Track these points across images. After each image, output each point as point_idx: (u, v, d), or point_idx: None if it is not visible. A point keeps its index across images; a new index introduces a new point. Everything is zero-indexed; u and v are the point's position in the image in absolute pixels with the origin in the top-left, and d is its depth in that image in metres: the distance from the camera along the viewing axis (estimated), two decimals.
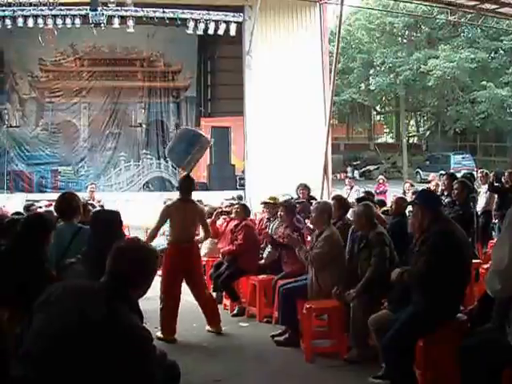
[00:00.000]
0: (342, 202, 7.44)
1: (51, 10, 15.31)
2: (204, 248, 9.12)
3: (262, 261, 8.04)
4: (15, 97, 20.73)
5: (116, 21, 15.68)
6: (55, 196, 6.45)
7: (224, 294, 8.30)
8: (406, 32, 37.34)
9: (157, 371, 2.83)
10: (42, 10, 15.25)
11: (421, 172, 33.29)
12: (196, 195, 7.45)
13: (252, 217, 10.07)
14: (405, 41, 37.76)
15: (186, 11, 16.31)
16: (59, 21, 15.45)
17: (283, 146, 17.18)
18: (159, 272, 6.11)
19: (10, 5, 15.19)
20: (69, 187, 18.87)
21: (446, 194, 9.63)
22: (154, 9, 16.14)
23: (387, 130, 51.22)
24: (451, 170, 21.24)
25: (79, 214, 5.54)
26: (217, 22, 16.41)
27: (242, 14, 16.98)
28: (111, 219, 5.26)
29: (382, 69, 35.45)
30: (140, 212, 13.79)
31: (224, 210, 9.60)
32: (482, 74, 33.00)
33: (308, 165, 17.14)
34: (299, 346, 6.23)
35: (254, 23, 17.28)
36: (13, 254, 4.39)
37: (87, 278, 3.98)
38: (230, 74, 19.91)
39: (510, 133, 36.58)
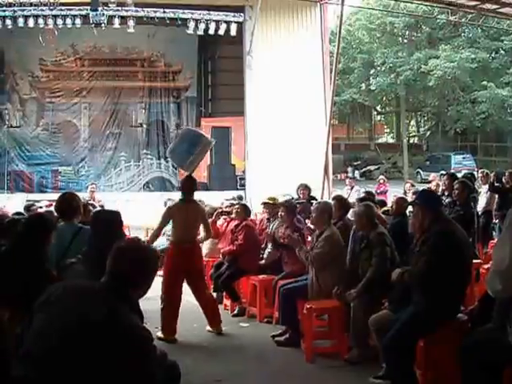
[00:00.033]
0: (342, 203, 7.44)
1: (52, 10, 15.30)
2: (204, 248, 9.10)
3: (263, 261, 8.04)
4: (16, 97, 20.73)
5: (116, 21, 15.68)
6: (56, 196, 6.45)
7: (224, 294, 8.29)
8: (407, 32, 37.32)
9: (157, 371, 2.83)
10: (42, 10, 15.24)
11: (421, 172, 33.26)
12: (196, 195, 7.45)
13: (252, 217, 10.06)
14: (405, 41, 37.76)
15: (186, 11, 16.30)
16: (60, 21, 15.44)
17: (284, 146, 17.19)
18: (160, 272, 6.11)
19: (10, 5, 15.18)
20: (69, 187, 18.87)
21: (446, 194, 9.63)
22: (155, 9, 16.14)
23: (388, 130, 51.22)
24: (452, 170, 21.24)
25: (79, 214, 5.54)
26: (217, 22, 16.39)
27: (242, 14, 16.97)
28: (111, 219, 5.26)
29: (383, 69, 35.44)
30: (140, 212, 13.80)
31: (224, 210, 9.60)
32: (483, 74, 32.99)
33: (308, 165, 17.14)
34: (300, 346, 6.23)
35: (255, 23, 17.29)
36: (13, 254, 4.39)
37: (87, 278, 3.98)
38: (231, 74, 19.91)
39: (510, 133, 36.58)
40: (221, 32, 16.57)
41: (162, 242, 9.02)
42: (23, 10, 15.18)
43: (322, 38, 18.44)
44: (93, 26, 15.43)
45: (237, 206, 8.69)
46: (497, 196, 10.79)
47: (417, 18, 31.64)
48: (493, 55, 34.94)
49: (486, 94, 31.79)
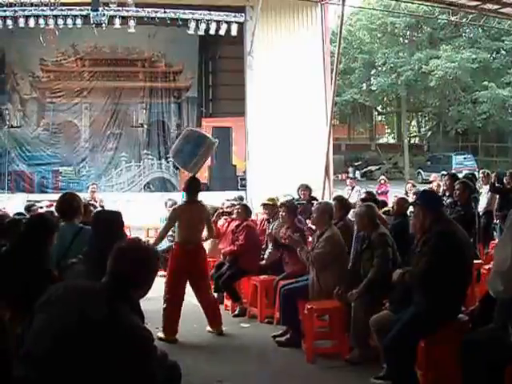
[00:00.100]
0: (343, 203, 7.45)
1: (52, 10, 15.31)
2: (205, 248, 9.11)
3: (263, 261, 8.04)
4: (16, 97, 20.76)
5: (117, 21, 15.69)
6: (56, 196, 6.45)
7: (225, 294, 8.29)
8: (408, 32, 37.34)
9: (158, 372, 2.83)
10: (43, 11, 15.25)
11: (422, 172, 33.25)
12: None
13: (253, 217, 10.06)
14: (406, 41, 37.78)
15: (187, 11, 16.31)
16: (60, 21, 15.44)
17: (284, 146, 17.19)
18: (160, 273, 6.10)
19: (11, 5, 15.19)
20: (70, 187, 18.89)
21: (447, 194, 9.63)
22: (156, 9, 16.14)
23: (388, 131, 51.22)
24: (453, 171, 21.32)
25: (80, 215, 5.54)
26: (218, 22, 16.40)
27: (243, 15, 16.97)
28: (112, 220, 5.25)
29: (384, 69, 35.46)
30: (141, 212, 13.82)
31: (225, 210, 9.59)
32: (484, 75, 33.01)
33: (309, 165, 17.15)
34: (300, 346, 6.23)
35: (256, 23, 17.29)
36: (15, 254, 4.39)
37: (88, 279, 3.98)
38: (232, 75, 19.93)
39: (511, 133, 36.57)
40: (221, 32, 16.57)
41: (162, 243, 9.00)
42: (24, 10, 15.19)
43: (323, 39, 18.44)
44: (93, 26, 15.42)
45: (238, 207, 8.69)
46: (498, 196, 10.78)
47: (418, 18, 31.64)
48: (494, 55, 34.97)
49: (486, 95, 31.81)
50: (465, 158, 32.62)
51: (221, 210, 9.51)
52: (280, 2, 17.97)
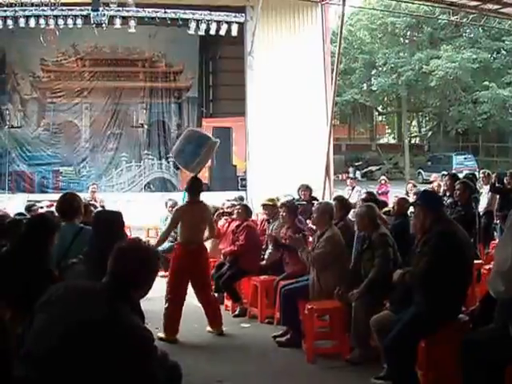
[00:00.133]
0: (343, 203, 7.45)
1: (53, 10, 15.31)
2: None
3: (264, 261, 8.04)
4: (17, 97, 20.75)
5: (117, 21, 15.69)
6: (57, 196, 6.45)
7: (225, 294, 8.28)
8: (408, 32, 37.35)
9: (158, 372, 2.83)
10: (43, 11, 15.24)
11: (423, 172, 33.26)
12: None
13: (254, 217, 10.06)
14: (407, 41, 37.78)
15: (187, 11, 16.31)
16: (61, 21, 15.44)
17: (285, 146, 17.19)
18: (160, 273, 6.09)
19: (11, 5, 15.20)
20: (70, 188, 18.89)
21: (448, 194, 9.64)
22: (156, 9, 16.14)
23: (389, 131, 51.23)
24: (453, 171, 21.29)
25: (80, 215, 5.53)
26: (218, 22, 16.39)
27: (243, 15, 16.97)
28: (113, 220, 5.25)
29: (384, 69, 35.46)
30: (141, 212, 13.82)
31: (226, 210, 9.59)
32: (484, 75, 33.00)
33: (310, 165, 17.15)
34: (301, 346, 6.22)
35: (256, 24, 17.29)
36: (16, 254, 4.39)
37: (89, 279, 3.98)
38: (232, 75, 19.91)
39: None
40: (222, 32, 16.56)
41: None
42: (24, 10, 15.19)
43: (324, 39, 18.44)
44: (94, 26, 15.42)
45: (238, 207, 8.69)
46: (498, 196, 10.78)
47: (418, 18, 31.65)
48: (494, 55, 34.96)
49: (487, 95, 31.81)
50: (465, 158, 32.63)
51: (221, 211, 9.51)
52: (280, 2, 17.97)
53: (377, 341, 5.16)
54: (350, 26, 35.47)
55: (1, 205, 13.35)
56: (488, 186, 11.23)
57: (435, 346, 4.68)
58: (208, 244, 8.85)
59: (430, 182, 16.69)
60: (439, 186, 12.70)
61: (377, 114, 46.81)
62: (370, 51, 35.93)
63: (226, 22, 16.44)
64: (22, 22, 15.30)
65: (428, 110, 40.31)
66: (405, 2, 23.11)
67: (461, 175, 11.67)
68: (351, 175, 29.34)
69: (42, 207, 10.00)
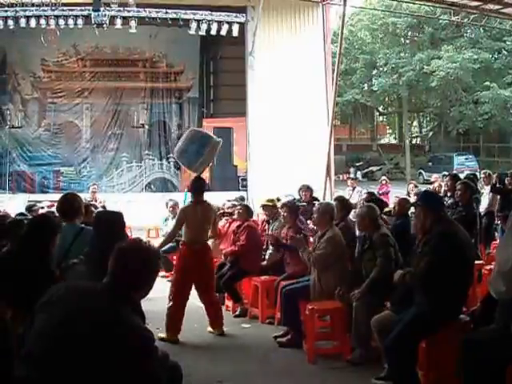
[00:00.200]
0: (344, 203, 7.44)
1: (53, 10, 15.33)
2: None
3: (265, 262, 8.04)
4: (17, 97, 20.75)
5: (118, 21, 15.70)
6: (57, 197, 6.45)
7: (226, 295, 8.28)
8: (409, 32, 37.33)
9: (159, 372, 2.83)
10: (44, 11, 15.26)
11: (423, 173, 33.26)
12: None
13: (254, 218, 10.06)
14: (408, 41, 37.75)
15: (188, 12, 16.32)
16: (61, 21, 15.47)
17: (286, 146, 17.18)
18: (161, 273, 6.10)
19: (12, 5, 15.21)
20: (71, 188, 18.92)
21: (449, 194, 9.64)
22: (157, 9, 16.15)
23: (390, 131, 51.22)
24: (454, 171, 21.29)
25: (81, 215, 5.53)
26: (219, 22, 16.39)
27: (244, 15, 16.98)
28: (114, 220, 5.25)
29: (385, 69, 35.43)
30: (142, 213, 13.82)
31: (226, 211, 9.59)
32: (485, 75, 32.96)
33: (310, 166, 17.13)
34: (302, 347, 6.22)
35: (257, 24, 17.29)
36: (18, 254, 4.39)
37: (89, 279, 3.98)
38: (233, 75, 19.90)
39: None
40: (223, 32, 16.56)
41: None
42: (25, 11, 15.20)
43: (324, 39, 18.44)
44: (95, 26, 15.43)
45: (239, 207, 8.68)
46: (499, 197, 10.78)
47: (419, 18, 31.64)
48: (495, 56, 34.94)
49: (488, 95, 31.78)
50: (466, 159, 32.61)
51: (222, 211, 9.50)
52: (281, 3, 17.96)
53: (377, 341, 5.16)
54: (351, 26, 35.46)
55: (1, 205, 13.36)
56: (489, 187, 11.24)
57: (436, 346, 4.68)
58: (209, 244, 8.87)
59: (431, 183, 16.70)
60: (440, 186, 12.70)
61: (378, 114, 46.79)
62: (371, 51, 35.90)
63: (227, 22, 16.45)
64: (22, 22, 15.31)
65: (429, 110, 40.29)
66: (406, 2, 23.14)
67: (462, 176, 11.67)
68: (352, 175, 29.33)
69: (42, 207, 10.00)
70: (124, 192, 20.39)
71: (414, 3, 23.63)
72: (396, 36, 37.12)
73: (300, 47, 18.03)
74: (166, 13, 16.17)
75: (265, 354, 6.26)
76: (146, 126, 21.79)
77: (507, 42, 32.72)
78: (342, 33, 18.05)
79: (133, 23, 15.93)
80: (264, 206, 8.83)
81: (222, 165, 18.09)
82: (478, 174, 15.75)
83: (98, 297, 2.79)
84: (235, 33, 16.64)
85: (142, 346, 2.69)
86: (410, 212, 7.72)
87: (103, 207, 10.88)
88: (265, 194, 11.38)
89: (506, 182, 11.01)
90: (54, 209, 6.63)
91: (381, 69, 36.50)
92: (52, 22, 15.43)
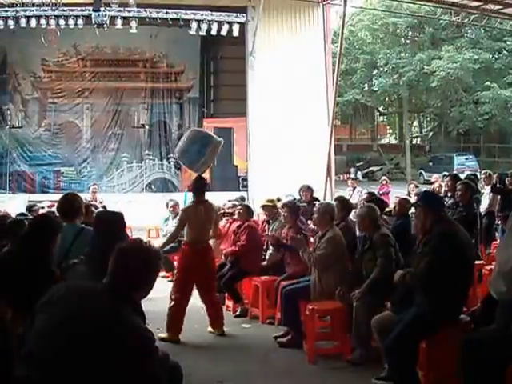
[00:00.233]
0: (344, 204, 7.44)
1: (54, 10, 15.33)
2: None
3: (265, 262, 8.04)
4: (18, 97, 20.75)
5: (119, 21, 15.71)
6: (57, 197, 6.45)
7: (226, 295, 8.28)
8: (410, 33, 37.36)
9: (159, 372, 2.83)
10: (44, 11, 15.27)
11: (424, 173, 33.25)
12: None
13: (255, 218, 10.06)
14: (408, 41, 37.77)
15: (188, 12, 16.32)
16: (62, 21, 15.48)
17: (286, 146, 17.17)
18: (161, 273, 6.09)
19: (12, 5, 15.21)
20: (71, 188, 18.93)
21: (449, 195, 9.65)
22: (157, 9, 16.16)
23: (390, 131, 51.22)
24: (454, 171, 21.31)
25: (81, 215, 5.53)
26: (220, 22, 16.40)
27: (244, 15, 16.98)
28: (114, 220, 5.24)
29: (386, 69, 35.46)
30: (142, 213, 13.82)
31: (227, 211, 9.59)
32: (486, 75, 32.97)
33: (311, 166, 17.12)
34: (302, 347, 6.22)
35: (257, 24, 17.29)
36: (18, 254, 4.39)
37: (90, 279, 3.97)
38: (233, 75, 19.90)
39: None
40: (223, 33, 16.56)
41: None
42: (25, 11, 15.21)
43: (325, 39, 18.43)
44: (95, 26, 15.44)
45: (239, 207, 8.69)
46: (499, 197, 10.78)
47: (419, 18, 31.64)
48: (496, 56, 34.94)
49: (488, 95, 31.79)
50: (467, 159, 32.60)
51: (222, 211, 9.50)
52: (282, 3, 17.96)
53: (378, 341, 5.16)
54: (352, 26, 35.47)
55: (2, 205, 13.36)
56: (489, 187, 11.23)
57: (436, 346, 4.68)
58: (210, 244, 8.87)
59: (431, 183, 16.69)
60: (440, 186, 12.70)
61: (378, 114, 46.82)
62: (372, 51, 35.91)
63: (228, 23, 16.44)
64: (23, 22, 15.32)
65: (429, 110, 40.29)
66: (406, 2, 23.10)
67: (462, 176, 11.69)
68: (352, 176, 29.37)
69: (42, 207, 10.00)
70: (124, 192, 20.39)
71: (414, 3, 23.60)
72: (396, 36, 37.14)
73: (300, 47, 18.02)
74: (167, 13, 16.18)
75: (265, 354, 6.26)
76: (147, 126, 21.78)
77: (508, 42, 32.73)
78: (342, 33, 18.04)
79: (133, 23, 15.94)
80: (264, 206, 8.83)
81: (222, 165, 18.08)
82: (478, 174, 15.74)
83: (98, 297, 2.79)
84: (235, 33, 16.64)
85: (142, 346, 2.69)
86: (410, 212, 7.72)
87: (103, 207, 10.88)
88: (265, 194, 11.38)
89: (506, 182, 11.01)
90: (54, 209, 6.63)
91: (381, 69, 36.53)
92: (52, 22, 15.44)
